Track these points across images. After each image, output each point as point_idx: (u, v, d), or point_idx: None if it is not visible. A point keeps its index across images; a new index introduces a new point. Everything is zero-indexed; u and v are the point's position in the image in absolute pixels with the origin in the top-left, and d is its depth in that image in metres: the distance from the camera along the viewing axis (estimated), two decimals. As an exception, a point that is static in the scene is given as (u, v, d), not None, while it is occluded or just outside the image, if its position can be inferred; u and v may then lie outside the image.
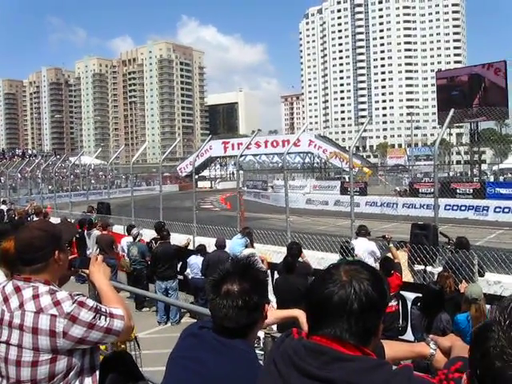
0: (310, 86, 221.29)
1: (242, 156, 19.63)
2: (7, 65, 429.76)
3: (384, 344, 2.11)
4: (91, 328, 2.41)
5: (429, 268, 10.30)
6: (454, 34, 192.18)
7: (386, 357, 2.04)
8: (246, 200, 28.06)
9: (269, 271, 9.94)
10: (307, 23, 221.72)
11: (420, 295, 8.10)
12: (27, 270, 2.53)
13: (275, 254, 12.68)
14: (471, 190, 31.57)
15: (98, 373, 2.60)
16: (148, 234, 15.07)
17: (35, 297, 2.43)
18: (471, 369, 1.29)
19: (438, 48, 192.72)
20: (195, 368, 2.12)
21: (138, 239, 13.70)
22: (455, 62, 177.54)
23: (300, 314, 2.65)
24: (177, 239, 13.27)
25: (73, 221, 19.01)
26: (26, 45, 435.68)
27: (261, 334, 3.63)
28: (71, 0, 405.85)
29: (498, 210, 28.70)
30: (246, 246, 11.56)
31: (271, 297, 8.16)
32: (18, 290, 2.49)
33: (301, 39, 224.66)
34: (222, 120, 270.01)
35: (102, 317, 2.45)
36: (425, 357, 2.13)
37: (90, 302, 2.46)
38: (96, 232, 14.97)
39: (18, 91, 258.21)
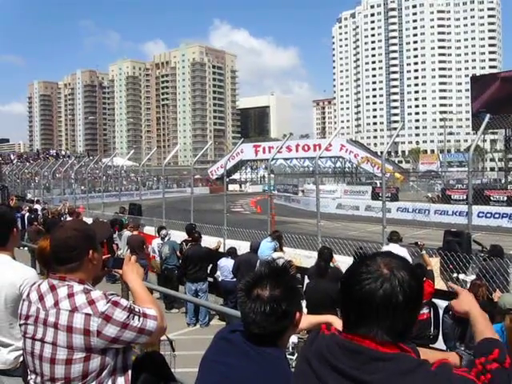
0: (342, 90, 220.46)
1: (273, 160, 19.60)
2: (43, 67, 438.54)
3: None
4: (125, 328, 2.42)
5: (461, 276, 10.14)
6: (490, 38, 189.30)
7: None
8: (276, 204, 28.00)
9: (298, 275, 9.90)
10: (340, 27, 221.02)
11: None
12: (62, 269, 2.56)
13: (305, 258, 12.63)
14: (505, 198, 30.98)
15: (130, 372, 2.62)
16: (178, 236, 15.14)
17: (70, 295, 2.46)
18: None
19: (473, 53, 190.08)
20: (226, 373, 2.11)
21: (167, 239, 13.82)
22: (490, 66, 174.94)
23: (334, 320, 2.62)
24: (207, 241, 13.31)
25: (105, 221, 19.22)
26: (62, 48, 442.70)
27: (294, 338, 3.62)
28: (105, 4, 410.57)
29: (534, 218, 28.17)
30: (275, 250, 11.53)
31: (302, 302, 8.11)
32: (53, 288, 2.52)
33: (333, 43, 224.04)
34: (254, 123, 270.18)
35: (136, 317, 2.46)
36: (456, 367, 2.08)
37: (124, 302, 2.48)
38: (127, 233, 15.11)
39: (53, 93, 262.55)
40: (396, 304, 1.56)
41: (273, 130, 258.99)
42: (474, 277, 9.35)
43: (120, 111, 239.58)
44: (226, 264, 11.95)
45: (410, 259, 10.48)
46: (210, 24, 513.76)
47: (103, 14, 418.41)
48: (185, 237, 14.04)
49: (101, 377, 2.47)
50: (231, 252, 12.28)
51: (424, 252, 10.12)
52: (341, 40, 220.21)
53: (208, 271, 12.59)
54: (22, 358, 3.21)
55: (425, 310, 8.08)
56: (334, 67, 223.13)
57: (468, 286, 8.67)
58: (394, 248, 10.75)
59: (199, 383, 2.24)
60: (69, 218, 16.37)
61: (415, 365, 1.54)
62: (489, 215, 28.94)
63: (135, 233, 15.01)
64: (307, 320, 2.60)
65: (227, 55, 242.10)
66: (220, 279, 12.20)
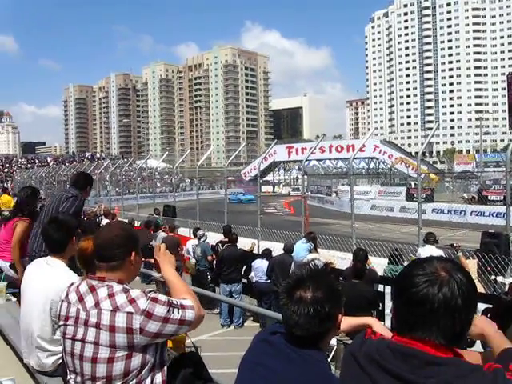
0: (375, 90, 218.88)
1: (306, 161, 19.56)
2: (78, 71, 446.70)
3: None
4: (166, 322, 2.47)
5: (499, 278, 9.97)
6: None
7: None
8: (309, 205, 27.94)
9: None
10: (373, 27, 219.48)
11: (490, 306, 7.84)
12: (104, 266, 2.62)
13: (340, 259, 12.57)
14: (544, 198, 30.34)
15: (166, 368, 2.67)
16: (212, 238, 15.22)
17: (111, 296, 2.50)
18: None
19: (509, 50, 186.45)
20: (266, 375, 2.10)
21: (203, 240, 13.89)
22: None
23: (374, 322, 2.61)
24: (241, 243, 13.35)
25: (139, 223, 19.40)
26: (96, 52, 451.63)
27: (333, 340, 3.59)
28: (138, 9, 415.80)
29: None
30: (310, 251, 11.51)
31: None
32: (92, 289, 2.57)
33: (366, 43, 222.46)
34: (286, 125, 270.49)
35: (175, 309, 2.50)
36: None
37: (163, 297, 2.52)
38: (162, 234, 15.23)
39: (88, 96, 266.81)
40: (455, 307, 1.56)
41: (305, 131, 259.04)
42: (512, 279, 9.20)
43: (153, 113, 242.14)
44: (261, 265, 11.97)
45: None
46: (242, 26, 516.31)
47: (136, 18, 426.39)
48: (219, 238, 14.11)
49: (141, 374, 2.52)
50: (266, 253, 12.29)
51: (460, 254, 10.00)
52: (374, 40, 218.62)
53: (242, 273, 12.63)
54: (60, 361, 3.27)
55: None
56: (367, 67, 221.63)
57: (507, 288, 8.53)
58: (431, 250, 10.63)
59: None
60: (105, 220, 16.57)
61: (469, 369, 1.54)
62: (527, 216, 28.36)
63: (170, 234, 15.14)
64: (346, 322, 2.58)
65: (259, 57, 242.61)
66: (254, 280, 12.21)
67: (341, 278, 9.28)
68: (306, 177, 20.50)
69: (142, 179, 45.42)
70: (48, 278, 3.51)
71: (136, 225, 18.70)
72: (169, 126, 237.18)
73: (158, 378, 2.60)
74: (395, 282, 1.73)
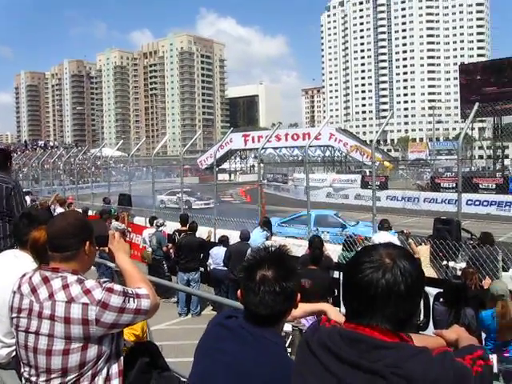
0: (331, 78, 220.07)
1: (262, 149, 19.58)
2: (30, 58, 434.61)
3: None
4: (122, 312, 2.45)
5: (451, 263, 10.20)
6: (478, 26, 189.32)
7: None
8: (266, 193, 28.04)
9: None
10: (329, 16, 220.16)
11: (442, 290, 8.02)
12: (57, 257, 2.57)
13: (295, 247, 12.65)
14: (494, 185, 31.16)
15: (122, 358, 2.65)
16: (169, 226, 15.13)
17: (65, 287, 2.46)
18: None
19: (461, 41, 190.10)
20: (222, 359, 2.12)
21: (161, 229, 13.80)
22: (478, 55, 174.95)
23: (328, 308, 2.64)
24: (198, 231, 13.30)
25: (94, 212, 19.13)
26: (49, 38, 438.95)
27: (288, 327, 3.61)
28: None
29: (521, 205, 28.43)
30: (267, 239, 11.56)
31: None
32: (46, 280, 2.52)
33: (322, 32, 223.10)
34: (243, 113, 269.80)
35: (131, 299, 2.49)
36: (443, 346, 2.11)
37: (118, 287, 2.51)
38: (115, 223, 15.05)
39: (40, 83, 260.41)
40: (398, 293, 1.58)
41: (262, 119, 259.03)
42: (463, 264, 9.42)
43: (108, 101, 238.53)
44: (219, 252, 11.95)
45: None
46: (197, 13, 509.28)
47: (88, 4, 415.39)
48: (176, 227, 14.04)
49: (97, 365, 2.49)
50: (223, 240, 12.28)
51: (411, 240, 10.19)
52: (329, 28, 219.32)
53: (200, 261, 12.60)
54: (14, 353, 3.20)
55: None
56: (323, 56, 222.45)
57: (458, 273, 8.73)
58: (385, 236, 10.80)
59: (197, 370, 2.24)
60: (59, 209, 16.27)
61: (416, 351, 1.58)
62: (477, 203, 29.19)
63: (117, 223, 14.97)
64: (301, 308, 2.60)
65: (215, 44, 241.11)
66: (212, 267, 12.19)
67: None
68: (262, 165, 20.55)
69: (97, 168, 44.76)
70: (13, 270, 3.43)
71: (91, 214, 18.43)
72: (124, 114, 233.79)
73: (115, 368, 2.58)
74: (343, 269, 1.77)
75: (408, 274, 1.60)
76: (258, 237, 11.67)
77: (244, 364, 2.05)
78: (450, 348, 1.89)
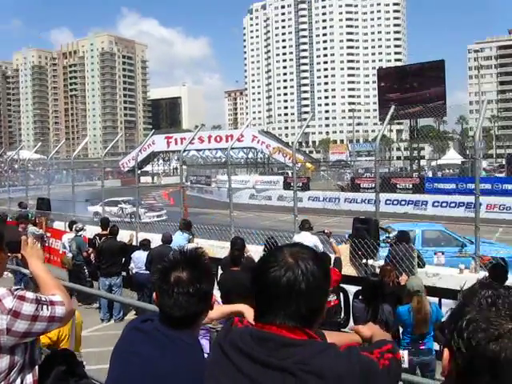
0: (253, 81, 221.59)
1: (185, 151, 19.47)
2: None
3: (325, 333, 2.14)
4: (35, 320, 2.36)
5: (370, 261, 10.45)
6: (395, 32, 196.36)
7: None
8: (189, 195, 27.90)
9: (213, 265, 9.89)
10: (251, 18, 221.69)
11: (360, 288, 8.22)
12: None
13: (219, 248, 12.64)
14: (411, 185, 32.32)
15: (37, 368, 2.56)
16: (90, 230, 14.82)
17: None
18: (449, 348, 1.28)
19: (380, 46, 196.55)
20: (138, 363, 2.09)
21: (80, 234, 13.48)
22: (396, 60, 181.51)
23: (245, 309, 2.64)
24: (119, 234, 13.08)
25: (10, 217, 18.49)
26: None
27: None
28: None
29: (436, 204, 29.63)
30: (189, 241, 11.50)
31: (216, 292, 8.11)
32: None
33: (245, 34, 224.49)
34: (165, 115, 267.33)
35: (44, 306, 2.41)
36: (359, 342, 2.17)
37: (30, 295, 2.41)
38: (32, 228, 14.62)
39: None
40: (299, 291, 1.62)
41: (185, 122, 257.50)
42: (382, 262, 9.67)
43: (26, 102, 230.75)
44: (140, 256, 11.79)
45: (320, 247, 10.73)
46: (118, 12, 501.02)
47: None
48: (96, 231, 13.77)
49: (10, 376, 2.38)
50: (144, 244, 12.14)
51: (332, 240, 10.38)
52: (252, 31, 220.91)
53: (122, 265, 12.39)
54: None
55: (332, 298, 8.27)
56: (246, 58, 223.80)
57: (377, 270, 8.96)
58: (306, 236, 10.95)
59: (113, 375, 2.20)
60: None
61: (324, 347, 1.61)
62: (395, 202, 30.21)
63: (39, 230, 14.59)
64: (219, 310, 2.60)
65: (137, 45, 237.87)
66: (134, 271, 12.02)
67: (219, 267, 9.37)
68: (185, 167, 20.42)
69: (14, 171, 43.25)
70: None
71: (8, 219, 17.79)
72: (42, 115, 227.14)
73: (29, 378, 2.48)
74: (252, 269, 1.79)
75: (310, 273, 1.63)
76: (179, 240, 11.59)
77: (160, 367, 2.04)
78: (364, 343, 1.95)
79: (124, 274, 12.42)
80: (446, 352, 1.30)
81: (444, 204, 29.14)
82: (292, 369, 1.53)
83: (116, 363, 2.20)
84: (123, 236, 13.76)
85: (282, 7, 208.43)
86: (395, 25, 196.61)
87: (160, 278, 2.15)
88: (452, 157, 51.45)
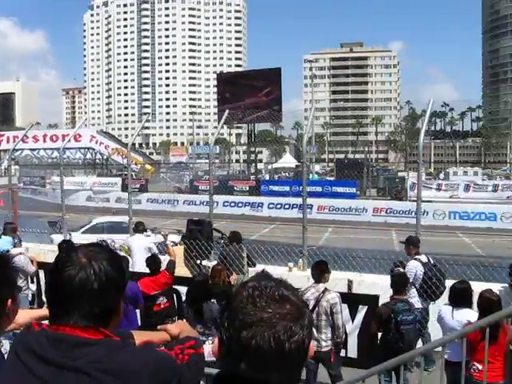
0: (93, 79, 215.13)
1: (17, 150, 18.55)
2: None
3: (134, 333, 2.20)
4: None
5: (204, 262, 10.67)
6: (236, 38, 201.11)
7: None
8: (21, 197, 26.58)
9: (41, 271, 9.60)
10: (92, 15, 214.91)
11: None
12: None
13: (50, 252, 12.22)
14: (247, 188, 33.25)
15: None
16: None
17: None
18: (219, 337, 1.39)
19: (221, 51, 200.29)
20: None
21: None
22: (236, 65, 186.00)
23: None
24: None
25: None
26: None
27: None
28: None
29: (271, 206, 30.77)
30: (15, 246, 10.98)
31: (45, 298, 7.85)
32: None
33: (85, 31, 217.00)
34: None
35: None
36: (167, 340, 2.26)
37: None
38: None
39: None
40: (91, 291, 1.63)
41: (18, 119, 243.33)
42: (215, 262, 9.92)
43: None
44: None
45: (155, 249, 10.80)
46: None
47: None
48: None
49: None
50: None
51: (168, 242, 10.48)
52: (92, 28, 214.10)
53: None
54: None
55: (162, 300, 8.30)
56: (85, 55, 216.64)
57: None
58: (139, 238, 10.96)
59: None
60: None
61: (120, 346, 1.65)
62: (233, 204, 30.98)
63: None
64: (28, 315, 2.58)
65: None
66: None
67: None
68: (17, 167, 19.44)
69: None
70: None
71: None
72: None
73: None
74: (48, 270, 1.80)
75: (103, 274, 1.66)
76: (3, 244, 11.01)
77: None
78: (154, 340, 2.05)
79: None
80: (216, 340, 1.43)
81: (279, 206, 30.30)
82: (86, 368, 1.55)
83: None
84: None
85: (125, 5, 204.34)
86: (236, 31, 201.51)
87: None
88: (287, 161, 53.80)
